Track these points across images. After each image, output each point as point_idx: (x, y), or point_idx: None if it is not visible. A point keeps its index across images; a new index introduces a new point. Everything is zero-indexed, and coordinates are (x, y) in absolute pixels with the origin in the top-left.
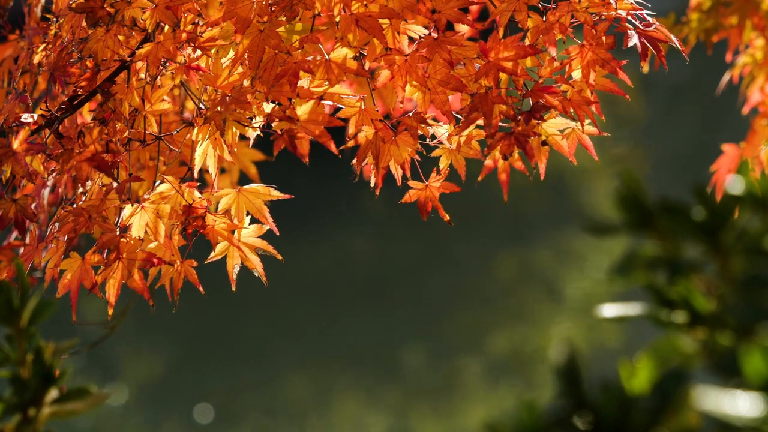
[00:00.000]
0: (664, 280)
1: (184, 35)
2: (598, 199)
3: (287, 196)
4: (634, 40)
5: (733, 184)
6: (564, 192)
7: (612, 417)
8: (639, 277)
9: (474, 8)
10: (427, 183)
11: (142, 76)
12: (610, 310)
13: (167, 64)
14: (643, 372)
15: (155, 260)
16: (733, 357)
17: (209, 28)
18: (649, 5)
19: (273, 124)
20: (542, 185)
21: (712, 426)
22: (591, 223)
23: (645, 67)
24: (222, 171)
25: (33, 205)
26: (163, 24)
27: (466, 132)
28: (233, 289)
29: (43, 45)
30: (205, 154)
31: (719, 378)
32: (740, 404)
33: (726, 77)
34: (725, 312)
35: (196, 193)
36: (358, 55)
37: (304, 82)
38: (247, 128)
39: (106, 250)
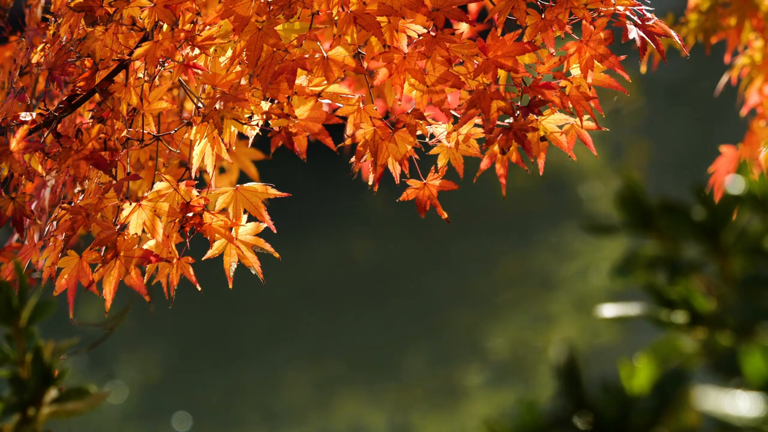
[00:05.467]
0: (664, 280)
1: (182, 34)
2: (598, 199)
3: (285, 194)
4: (632, 33)
5: (733, 184)
6: (564, 192)
7: (612, 417)
8: (639, 277)
9: (473, 9)
10: (425, 181)
11: (141, 75)
12: (610, 310)
13: (166, 63)
14: (643, 372)
15: (152, 258)
16: (733, 357)
17: (207, 27)
18: (648, 2)
19: (270, 122)
20: (542, 185)
21: (712, 426)
22: (591, 223)
23: (643, 67)
24: (222, 171)
25: (33, 206)
26: (161, 23)
27: (464, 130)
28: (230, 286)
29: (42, 44)
30: (203, 153)
31: (719, 378)
32: (740, 404)
33: (725, 78)
34: (725, 312)
35: (194, 191)
36: (356, 53)
37: (302, 80)
38: (245, 126)
39: (103, 248)
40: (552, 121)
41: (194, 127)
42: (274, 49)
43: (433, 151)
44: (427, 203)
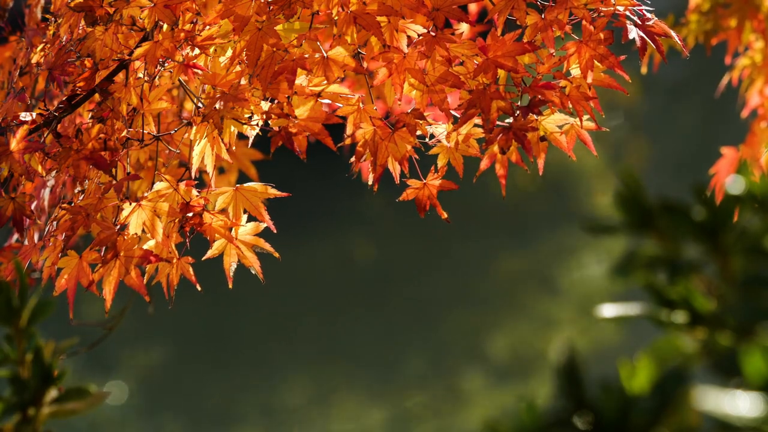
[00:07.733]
0: (664, 280)
1: (182, 34)
2: (598, 199)
3: (285, 194)
4: (632, 33)
5: (733, 184)
6: (564, 192)
7: (612, 417)
8: (639, 277)
9: (473, 10)
10: (425, 181)
11: (141, 75)
12: (610, 310)
13: (166, 63)
14: (643, 372)
15: (152, 258)
16: (733, 357)
17: (207, 27)
18: (648, 2)
19: (270, 122)
20: (542, 185)
21: (712, 426)
22: (591, 223)
23: (643, 68)
24: (221, 171)
25: (33, 205)
26: (161, 23)
27: (464, 130)
28: (230, 286)
29: (42, 44)
30: (202, 153)
31: (719, 378)
32: (740, 404)
33: (725, 80)
34: (725, 312)
35: (194, 191)
36: (356, 53)
37: (302, 80)
38: (245, 126)
39: (103, 248)
40: (552, 121)
41: (194, 127)
42: (274, 49)
43: (432, 151)
44: (426, 203)
